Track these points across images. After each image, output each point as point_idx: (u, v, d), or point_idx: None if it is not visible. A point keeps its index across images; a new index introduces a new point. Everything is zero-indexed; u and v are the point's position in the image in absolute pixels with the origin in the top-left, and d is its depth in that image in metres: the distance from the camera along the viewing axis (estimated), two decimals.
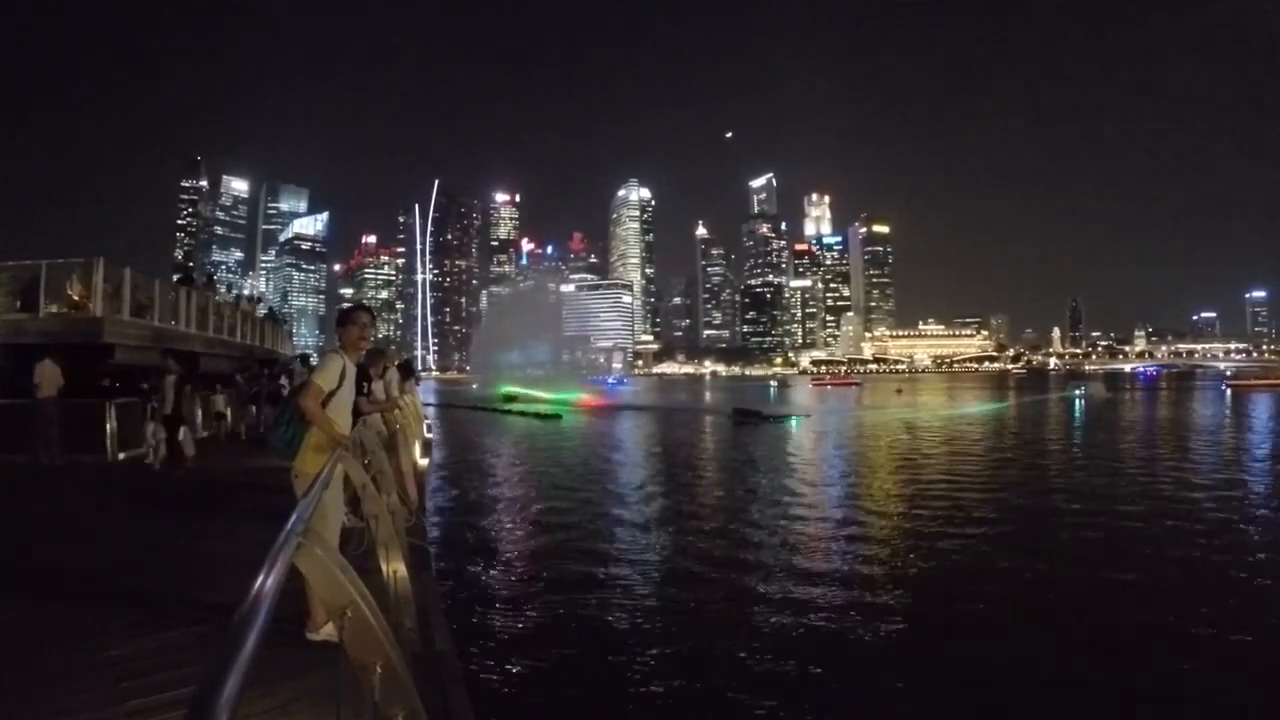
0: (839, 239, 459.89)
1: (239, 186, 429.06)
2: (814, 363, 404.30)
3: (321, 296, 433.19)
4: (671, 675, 10.57)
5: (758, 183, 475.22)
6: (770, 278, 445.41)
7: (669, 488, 27.05)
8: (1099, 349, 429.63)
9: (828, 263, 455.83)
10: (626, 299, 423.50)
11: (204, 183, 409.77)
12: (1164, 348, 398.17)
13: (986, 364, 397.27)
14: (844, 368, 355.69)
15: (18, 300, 18.98)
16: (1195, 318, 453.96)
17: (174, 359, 16.13)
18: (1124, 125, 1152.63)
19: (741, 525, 20.20)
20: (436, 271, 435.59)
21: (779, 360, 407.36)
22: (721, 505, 23.57)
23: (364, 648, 2.73)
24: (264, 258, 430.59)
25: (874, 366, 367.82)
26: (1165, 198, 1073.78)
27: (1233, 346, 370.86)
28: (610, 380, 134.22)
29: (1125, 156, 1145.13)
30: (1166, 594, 13.79)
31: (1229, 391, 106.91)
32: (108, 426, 16.74)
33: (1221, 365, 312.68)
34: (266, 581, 1.85)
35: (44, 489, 13.35)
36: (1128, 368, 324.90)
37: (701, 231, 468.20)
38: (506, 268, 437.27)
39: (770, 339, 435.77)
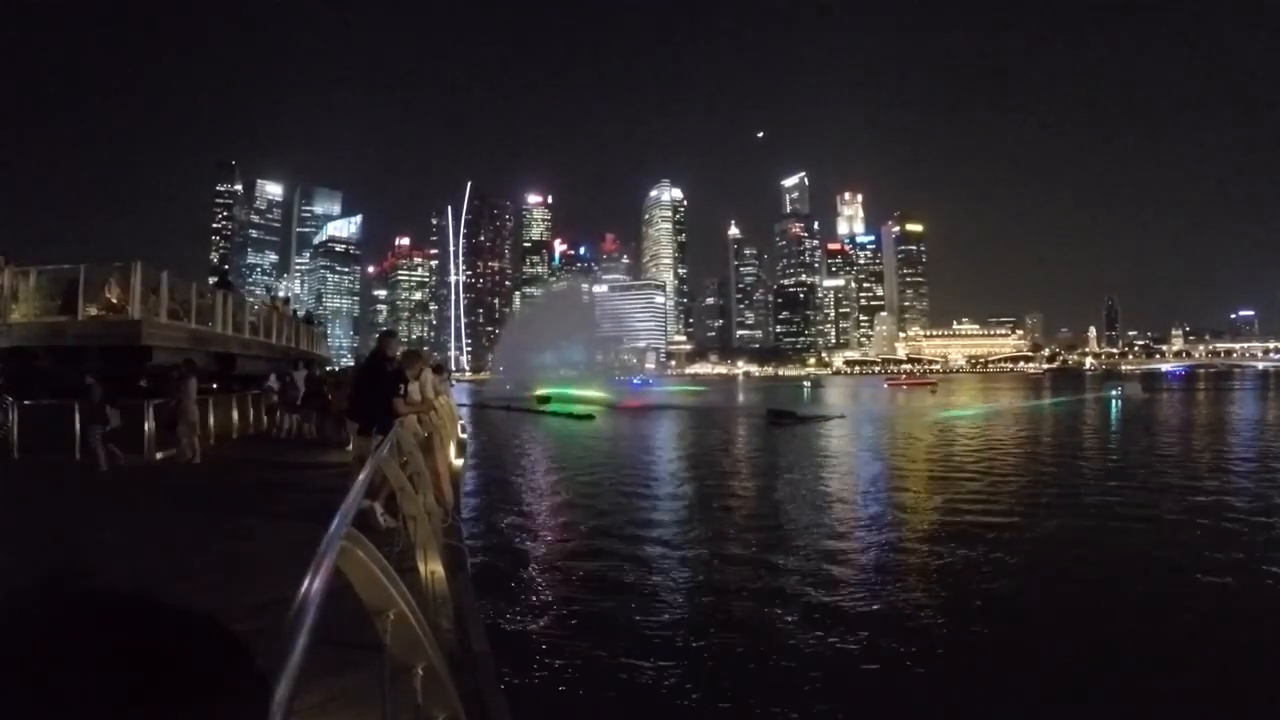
0: (872, 238, 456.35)
1: (273, 190, 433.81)
2: (847, 363, 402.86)
3: (356, 298, 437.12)
4: (704, 677, 10.50)
5: (790, 182, 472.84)
6: (803, 277, 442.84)
7: (704, 491, 26.85)
8: (1135, 349, 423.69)
9: (861, 262, 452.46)
10: (659, 299, 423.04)
11: (239, 186, 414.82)
12: (1201, 347, 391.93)
13: (1022, 364, 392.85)
14: (910, 367, 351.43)
15: (58, 303, 19.14)
16: (1233, 316, 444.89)
17: None
18: (1161, 123, 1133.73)
19: (778, 530, 19.96)
20: (469, 273, 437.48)
21: (812, 360, 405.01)
22: (759, 509, 23.35)
23: (407, 650, 2.75)
24: (298, 260, 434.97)
25: (908, 366, 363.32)
26: (1203, 195, 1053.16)
27: (1271, 345, 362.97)
28: (636, 381, 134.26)
29: (1163, 154, 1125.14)
30: None
31: None
32: (146, 427, 16.82)
33: (1260, 365, 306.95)
34: (312, 586, 1.86)
35: (85, 489, 13.39)
36: (1164, 368, 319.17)
37: (734, 231, 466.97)
38: (539, 269, 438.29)
39: (803, 339, 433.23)
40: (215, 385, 23.77)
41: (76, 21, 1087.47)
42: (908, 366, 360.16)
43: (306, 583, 1.87)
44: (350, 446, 16.17)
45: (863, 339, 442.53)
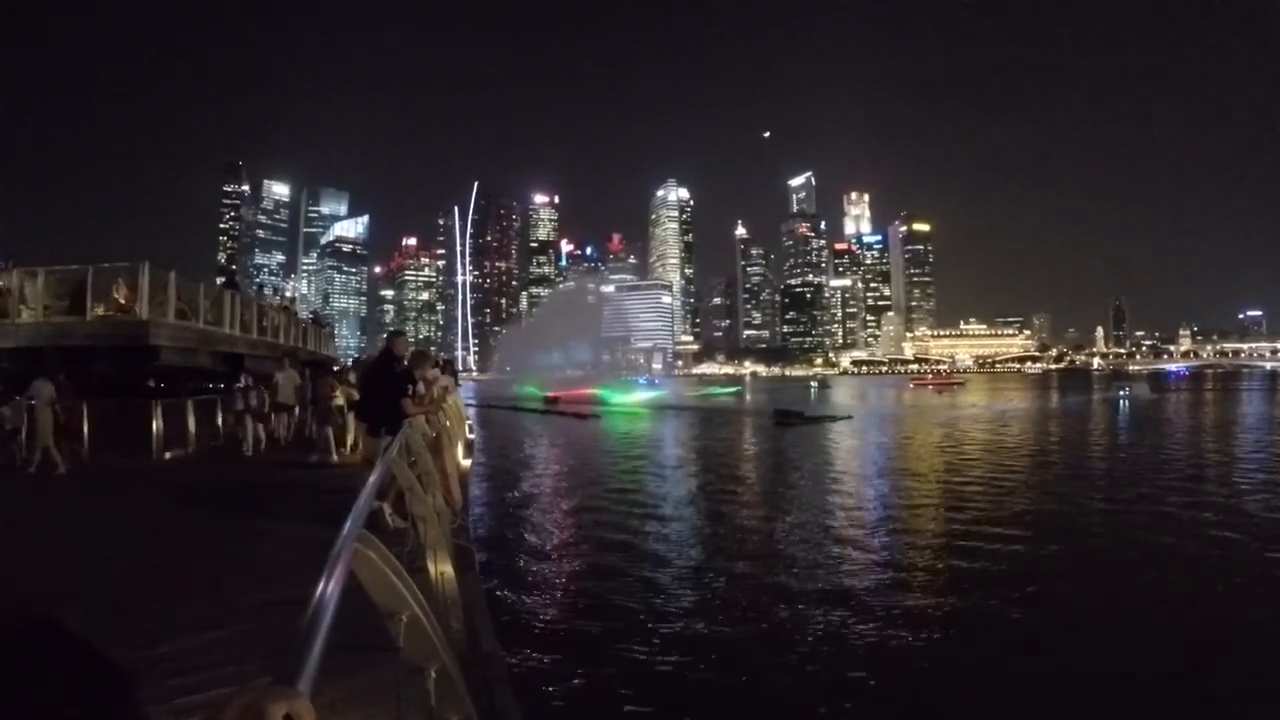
0: (879, 238, 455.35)
1: (280, 190, 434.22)
2: (854, 363, 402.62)
3: (363, 299, 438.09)
4: (713, 677, 10.46)
5: (796, 182, 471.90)
6: (810, 277, 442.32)
7: (713, 493, 26.77)
8: (1143, 349, 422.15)
9: (868, 262, 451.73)
10: (666, 299, 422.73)
11: (246, 187, 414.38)
12: (1209, 347, 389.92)
13: (1029, 364, 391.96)
14: (941, 367, 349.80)
15: (65, 303, 19.16)
16: (1241, 316, 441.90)
17: None
18: (1170, 123, 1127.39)
19: (783, 525, 19.88)
20: (476, 273, 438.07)
21: (819, 360, 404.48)
22: (761, 504, 23.27)
23: (420, 652, 2.76)
24: (305, 260, 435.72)
25: (915, 366, 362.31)
26: (1212, 195, 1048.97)
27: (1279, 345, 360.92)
28: (641, 380, 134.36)
29: (1171, 154, 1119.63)
30: None
31: None
32: (154, 427, 16.82)
33: (1268, 365, 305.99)
34: (327, 588, 1.86)
35: (92, 489, 13.37)
36: (1170, 368, 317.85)
37: (740, 231, 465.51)
38: (546, 269, 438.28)
39: (810, 339, 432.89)
40: (223, 385, 23.77)
41: (84, 22, 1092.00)
42: (915, 366, 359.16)
43: (322, 584, 1.86)
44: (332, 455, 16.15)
45: (870, 339, 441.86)
